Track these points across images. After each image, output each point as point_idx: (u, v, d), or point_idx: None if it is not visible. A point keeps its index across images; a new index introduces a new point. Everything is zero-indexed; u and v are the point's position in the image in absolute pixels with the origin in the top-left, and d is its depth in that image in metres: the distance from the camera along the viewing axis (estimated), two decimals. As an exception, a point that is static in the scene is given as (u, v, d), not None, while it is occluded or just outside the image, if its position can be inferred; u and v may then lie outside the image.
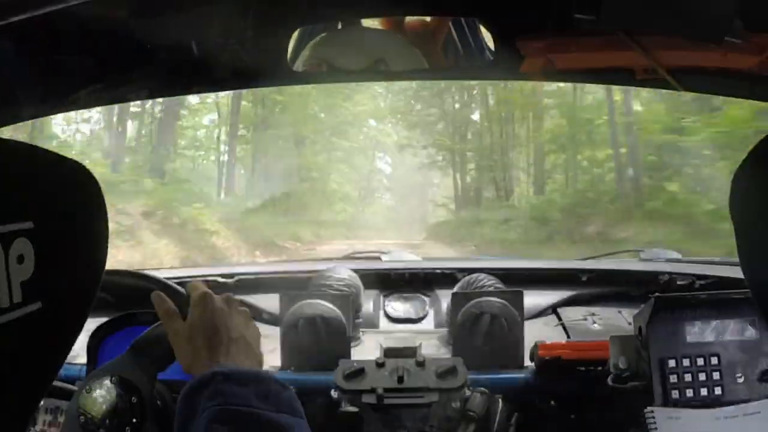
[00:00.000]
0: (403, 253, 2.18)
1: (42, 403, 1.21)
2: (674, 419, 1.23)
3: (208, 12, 1.07)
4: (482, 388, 1.37)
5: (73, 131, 14.68)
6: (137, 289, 1.11)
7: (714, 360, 1.29)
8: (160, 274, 1.57)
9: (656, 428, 1.21)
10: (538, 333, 1.57)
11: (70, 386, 1.20)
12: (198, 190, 13.92)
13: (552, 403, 1.50)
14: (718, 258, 1.99)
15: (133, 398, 1.03)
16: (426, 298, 1.80)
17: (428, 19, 1.25)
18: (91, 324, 1.26)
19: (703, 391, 1.28)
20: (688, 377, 1.28)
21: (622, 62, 1.13)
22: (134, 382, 1.04)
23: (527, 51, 1.11)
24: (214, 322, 0.89)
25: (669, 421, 1.23)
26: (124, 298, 1.34)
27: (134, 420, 1.02)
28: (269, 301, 1.68)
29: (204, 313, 0.90)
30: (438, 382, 1.35)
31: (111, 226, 0.58)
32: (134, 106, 14.26)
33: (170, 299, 0.96)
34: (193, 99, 14.73)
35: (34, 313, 0.48)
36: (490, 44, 1.18)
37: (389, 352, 1.46)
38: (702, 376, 1.28)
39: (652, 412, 1.23)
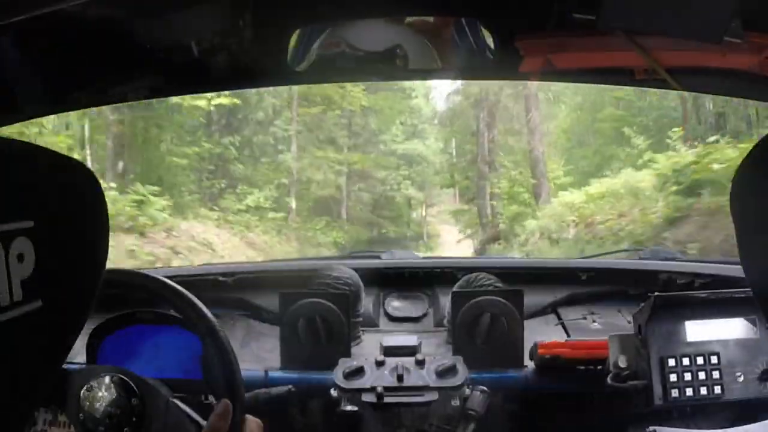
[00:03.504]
0: (402, 252, 2.18)
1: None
2: None
3: (208, 12, 1.07)
4: (482, 387, 1.37)
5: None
6: (146, 290, 1.11)
7: (714, 359, 1.29)
8: (161, 273, 1.56)
9: None
10: (537, 332, 1.57)
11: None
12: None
13: (552, 401, 1.50)
14: (718, 257, 1.99)
15: (132, 399, 1.03)
16: (426, 297, 1.80)
17: (431, 19, 1.25)
18: (91, 323, 1.25)
19: (703, 390, 1.28)
20: (687, 376, 1.28)
21: (622, 62, 1.13)
22: (134, 382, 1.04)
23: (527, 51, 1.11)
24: None
25: None
26: (125, 297, 1.34)
27: (133, 420, 1.02)
28: (269, 300, 1.68)
29: None
30: (438, 380, 1.35)
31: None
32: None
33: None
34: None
35: (35, 312, 0.48)
36: (490, 44, 1.18)
37: (389, 351, 1.46)
38: (702, 375, 1.29)
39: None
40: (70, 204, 0.54)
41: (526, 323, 1.53)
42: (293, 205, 12.27)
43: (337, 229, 12.63)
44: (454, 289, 1.63)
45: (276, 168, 12.20)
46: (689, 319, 1.31)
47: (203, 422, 1.03)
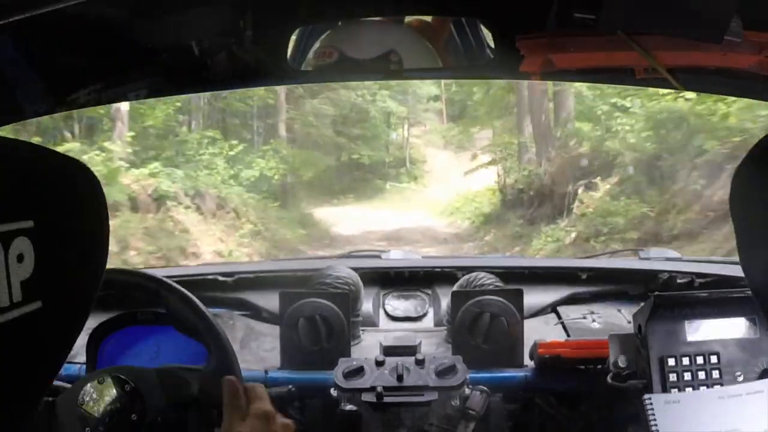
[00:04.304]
0: (402, 252, 2.18)
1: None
2: (673, 403, 1.22)
3: (208, 12, 1.07)
4: (482, 387, 1.37)
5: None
6: (148, 290, 1.11)
7: (714, 358, 1.29)
8: (160, 273, 1.56)
9: (654, 417, 1.21)
10: (537, 331, 1.57)
11: (69, 385, 1.20)
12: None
13: (551, 401, 1.50)
14: (718, 257, 2.00)
15: (126, 386, 1.03)
16: (426, 297, 1.80)
17: (430, 18, 1.25)
18: (91, 323, 1.26)
19: (703, 390, 1.28)
20: (687, 376, 1.28)
21: (622, 62, 1.12)
22: (123, 374, 1.04)
23: (527, 50, 1.11)
24: None
25: (667, 406, 1.21)
26: (125, 297, 1.34)
27: (133, 419, 1.02)
28: (269, 300, 1.68)
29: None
30: (437, 380, 1.35)
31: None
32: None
33: None
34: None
35: (34, 313, 0.48)
36: (491, 43, 1.18)
37: (389, 351, 1.46)
38: (702, 375, 1.29)
39: (650, 399, 1.22)
40: (70, 204, 0.54)
41: (526, 323, 1.53)
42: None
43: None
44: (454, 288, 1.63)
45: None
46: (689, 318, 1.31)
47: (196, 366, 1.03)
